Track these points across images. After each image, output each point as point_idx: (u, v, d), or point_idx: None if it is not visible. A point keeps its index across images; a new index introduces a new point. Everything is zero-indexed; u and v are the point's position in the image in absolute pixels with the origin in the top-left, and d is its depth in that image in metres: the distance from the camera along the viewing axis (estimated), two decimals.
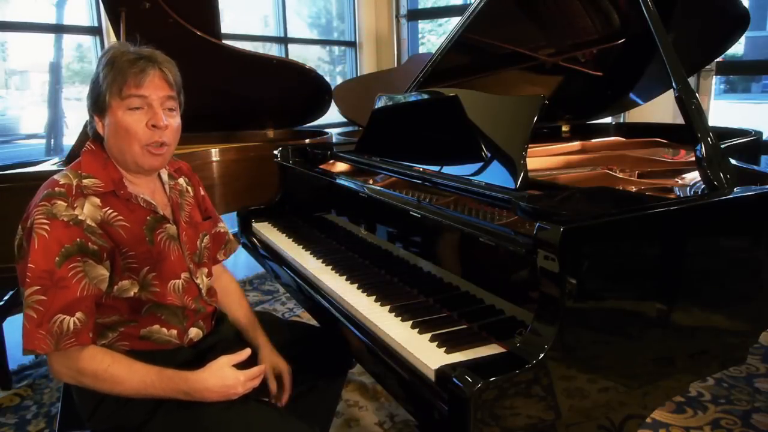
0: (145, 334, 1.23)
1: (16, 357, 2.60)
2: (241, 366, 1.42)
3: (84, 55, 4.17)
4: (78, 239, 1.10)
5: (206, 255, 1.39)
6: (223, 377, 1.16)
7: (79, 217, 1.12)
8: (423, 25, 5.91)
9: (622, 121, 3.72)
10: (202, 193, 1.47)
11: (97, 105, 1.19)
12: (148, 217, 1.23)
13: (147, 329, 1.23)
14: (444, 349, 1.08)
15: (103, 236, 1.14)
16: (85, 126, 2.40)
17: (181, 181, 1.40)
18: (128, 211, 1.20)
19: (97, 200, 1.16)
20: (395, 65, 5.39)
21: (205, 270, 1.38)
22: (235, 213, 2.29)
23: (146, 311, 1.22)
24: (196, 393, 1.15)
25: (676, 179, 1.62)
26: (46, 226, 1.08)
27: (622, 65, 2.40)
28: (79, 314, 1.10)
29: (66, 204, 1.11)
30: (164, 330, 1.25)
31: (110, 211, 1.17)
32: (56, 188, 1.13)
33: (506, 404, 0.94)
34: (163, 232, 1.26)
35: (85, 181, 1.16)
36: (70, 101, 4.50)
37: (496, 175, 1.37)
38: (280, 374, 1.39)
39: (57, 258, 1.08)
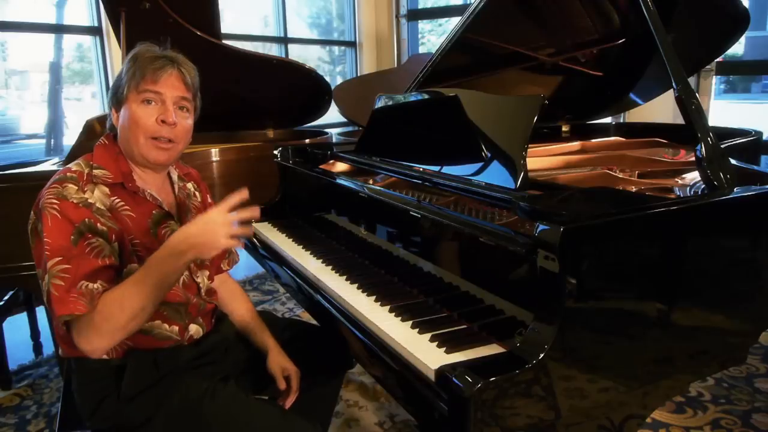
0: (147, 329, 1.22)
1: (16, 357, 2.60)
2: (247, 363, 1.44)
3: (84, 55, 4.17)
4: (86, 219, 1.11)
5: (208, 258, 1.40)
6: (197, 219, 1.10)
7: (89, 200, 1.14)
8: (423, 25, 5.91)
9: (622, 121, 3.72)
10: (210, 200, 1.49)
11: (116, 97, 1.22)
12: (153, 212, 1.26)
13: (149, 324, 1.22)
14: (444, 349, 1.08)
15: (112, 219, 1.16)
16: (86, 126, 2.41)
17: (190, 185, 1.43)
18: (134, 204, 1.22)
19: (106, 189, 1.18)
20: (395, 65, 5.39)
21: (207, 272, 1.38)
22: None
23: None
24: (185, 246, 1.08)
25: (676, 179, 1.61)
26: (57, 206, 1.10)
27: (622, 65, 2.39)
28: (100, 282, 1.10)
29: (77, 188, 1.13)
30: (165, 326, 1.25)
31: (117, 200, 1.19)
32: (68, 174, 1.16)
33: (506, 404, 0.94)
34: (167, 227, 1.27)
35: (96, 171, 1.19)
36: (70, 101, 4.50)
37: (496, 175, 1.37)
38: (288, 376, 1.40)
39: (72, 236, 1.09)
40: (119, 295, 1.09)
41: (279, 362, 1.40)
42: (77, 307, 1.06)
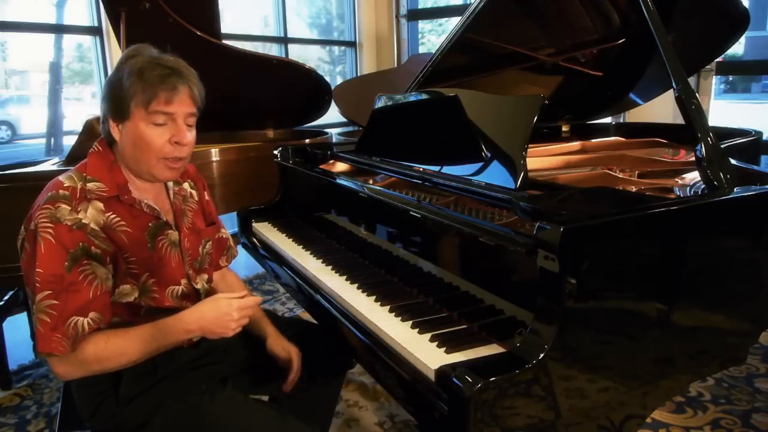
0: None
1: (16, 357, 2.60)
2: (246, 362, 1.44)
3: (84, 55, 4.18)
4: (81, 243, 1.10)
5: (208, 261, 1.39)
6: (217, 305, 1.18)
7: (83, 221, 1.11)
8: (423, 25, 5.91)
9: (622, 121, 3.72)
10: (207, 197, 1.46)
11: (118, 110, 1.16)
12: (150, 223, 1.23)
13: None
14: (444, 349, 1.08)
15: (106, 240, 1.14)
16: (85, 126, 2.41)
17: (186, 185, 1.40)
18: (131, 217, 1.19)
19: (101, 205, 1.15)
20: (395, 65, 5.39)
21: (206, 276, 1.38)
22: (235, 213, 2.29)
23: (145, 313, 1.22)
24: (195, 327, 1.17)
25: (676, 179, 1.62)
26: (51, 230, 1.08)
27: (622, 65, 2.39)
28: (92, 314, 1.11)
29: (70, 208, 1.10)
30: None
31: (113, 216, 1.16)
32: (60, 191, 1.12)
33: (506, 404, 0.94)
34: (164, 238, 1.25)
35: (90, 185, 1.15)
36: (70, 101, 4.50)
37: (496, 175, 1.37)
38: (289, 357, 1.42)
39: (66, 263, 1.08)
40: (121, 347, 1.12)
41: (278, 344, 1.42)
42: (58, 348, 1.07)
